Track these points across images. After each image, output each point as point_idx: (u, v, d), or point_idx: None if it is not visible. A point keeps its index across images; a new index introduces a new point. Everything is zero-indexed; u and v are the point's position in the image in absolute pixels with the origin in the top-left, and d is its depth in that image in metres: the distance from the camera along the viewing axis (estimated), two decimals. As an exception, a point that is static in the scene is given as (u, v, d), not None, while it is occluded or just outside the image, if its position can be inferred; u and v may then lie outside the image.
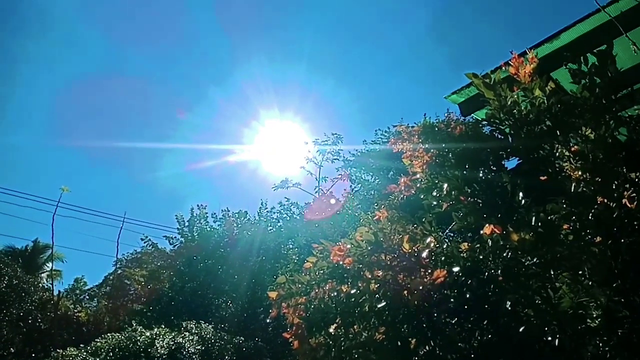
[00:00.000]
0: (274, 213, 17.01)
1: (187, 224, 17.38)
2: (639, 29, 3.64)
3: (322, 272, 3.46)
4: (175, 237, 17.22)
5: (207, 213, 17.49)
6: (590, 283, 2.86)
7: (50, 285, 18.28)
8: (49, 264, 23.99)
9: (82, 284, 27.90)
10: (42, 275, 25.78)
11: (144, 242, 17.62)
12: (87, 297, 24.47)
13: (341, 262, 3.31)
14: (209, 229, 17.05)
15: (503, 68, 3.26)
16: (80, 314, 17.54)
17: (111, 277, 20.09)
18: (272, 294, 3.56)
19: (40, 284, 19.89)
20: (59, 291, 19.40)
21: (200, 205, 17.65)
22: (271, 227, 16.64)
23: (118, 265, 19.45)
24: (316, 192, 16.46)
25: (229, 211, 17.07)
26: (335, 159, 17.75)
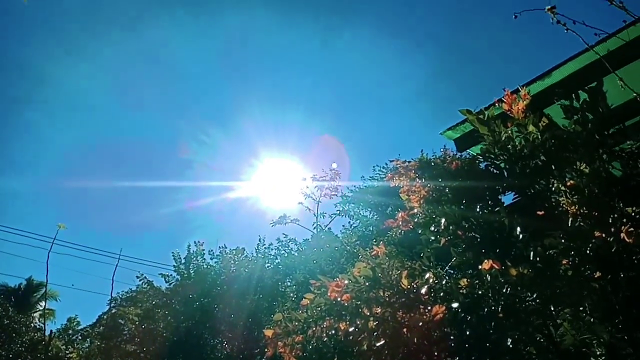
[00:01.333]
0: (272, 249, 16.80)
1: (183, 261, 17.15)
2: (627, 67, 3.75)
3: (319, 309, 3.40)
4: (171, 274, 16.95)
5: (204, 250, 17.28)
6: (592, 319, 2.81)
7: (43, 325, 17.82)
8: (43, 303, 23.50)
9: (75, 323, 27.24)
10: (35, 314, 25.21)
11: (140, 280, 17.29)
12: (80, 337, 23.83)
13: (339, 299, 3.26)
14: (205, 266, 16.81)
15: (496, 105, 3.32)
16: (71, 355, 17.02)
17: (105, 317, 19.64)
18: (269, 332, 3.49)
19: (32, 324, 19.43)
20: (51, 331, 18.90)
21: (197, 242, 17.45)
22: (269, 264, 16.41)
23: (112, 304, 19.03)
24: (314, 228, 16.37)
25: (226, 248, 16.87)
26: (333, 195, 17.76)
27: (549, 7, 3.06)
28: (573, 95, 3.24)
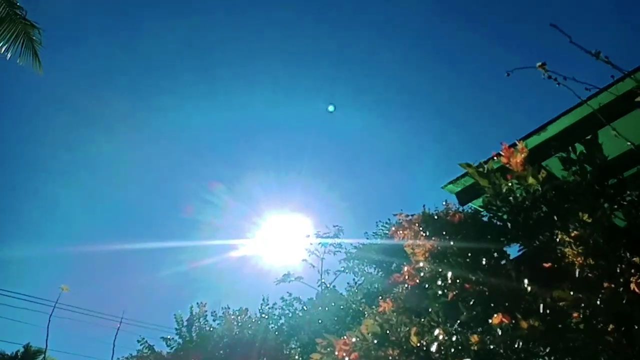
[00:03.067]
0: (276, 309, 16.46)
1: (185, 323, 16.73)
2: (619, 120, 3.87)
3: (327, 369, 3.30)
4: (173, 338, 16.47)
5: (206, 311, 16.91)
6: (609, 375, 2.72)
7: (37, 396, 17.06)
8: (39, 371, 22.62)
9: (71, 393, 26.04)
10: (30, 384, 24.16)
11: (140, 345, 16.79)
12: (76, 407, 22.73)
13: (347, 358, 3.18)
14: (208, 328, 16.37)
15: (495, 158, 3.40)
16: None
17: (103, 385, 18.83)
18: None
19: (27, 395, 18.59)
20: (46, 402, 18.07)
21: (200, 303, 17.11)
22: (273, 325, 16.00)
23: (111, 372, 18.32)
24: (319, 286, 16.10)
25: (229, 309, 16.52)
26: (337, 251, 17.61)
27: (540, 63, 3.22)
28: (570, 147, 3.33)
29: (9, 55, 10.85)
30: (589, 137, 3.41)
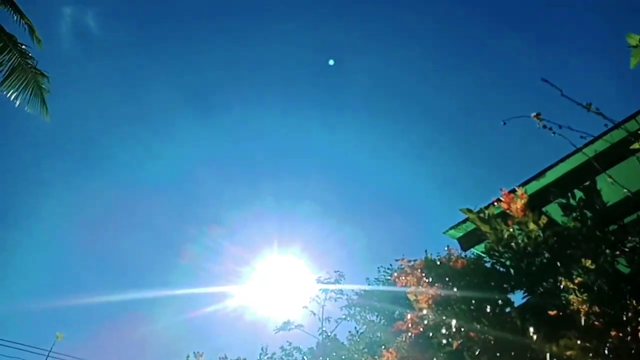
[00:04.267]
0: (275, 359, 15.97)
1: (181, 374, 16.21)
2: (616, 167, 3.93)
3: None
4: (167, 389, 15.91)
5: (203, 361, 16.41)
6: None
7: None
8: None
9: None
10: None
11: (134, 397, 16.22)
12: None
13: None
14: (204, 379, 15.85)
15: (495, 204, 3.44)
16: None
17: None
18: None
19: None
20: None
21: (196, 353, 16.65)
22: (272, 376, 15.50)
23: None
24: (319, 334, 15.68)
25: (226, 359, 16.06)
26: (338, 298, 17.30)
27: (534, 114, 3.31)
28: (569, 193, 3.37)
29: (18, 103, 11.13)
30: (587, 183, 3.45)
